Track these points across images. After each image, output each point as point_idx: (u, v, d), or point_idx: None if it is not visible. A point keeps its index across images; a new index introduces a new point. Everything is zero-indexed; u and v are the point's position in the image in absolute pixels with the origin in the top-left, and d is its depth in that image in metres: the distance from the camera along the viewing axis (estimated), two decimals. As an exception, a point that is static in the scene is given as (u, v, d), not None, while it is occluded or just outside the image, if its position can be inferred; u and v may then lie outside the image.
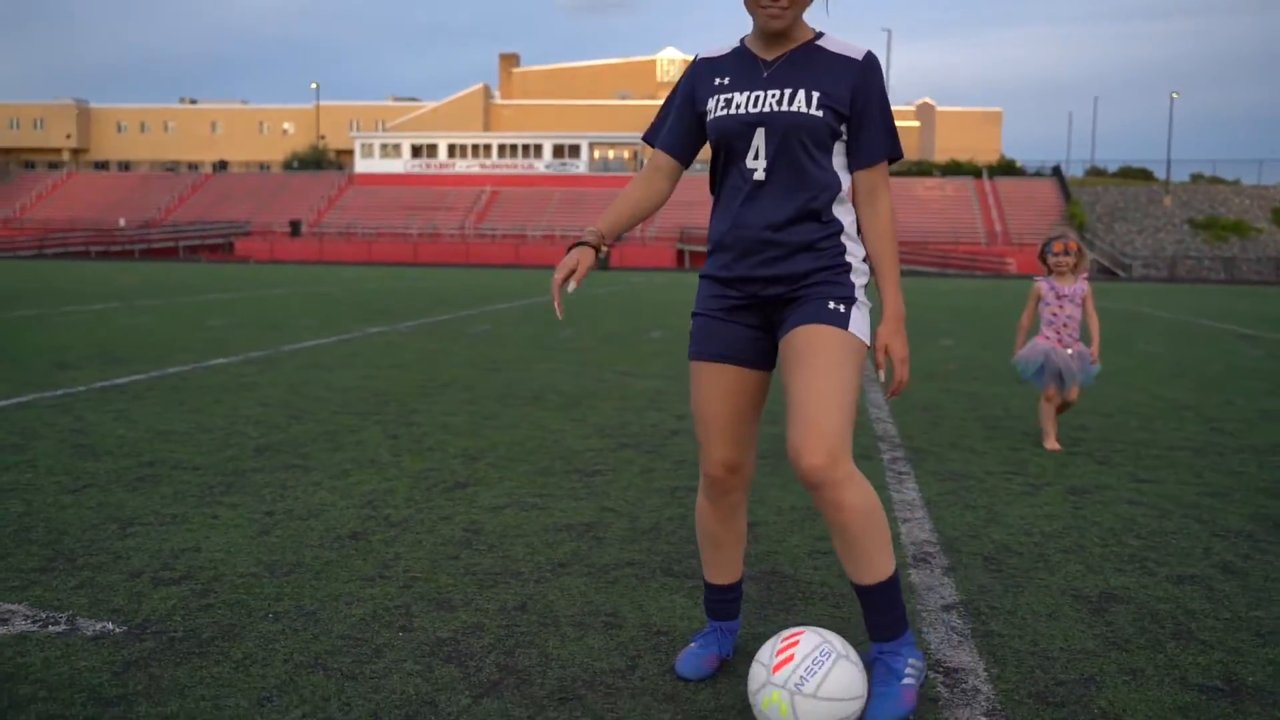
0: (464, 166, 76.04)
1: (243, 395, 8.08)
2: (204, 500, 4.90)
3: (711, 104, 2.83)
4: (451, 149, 76.97)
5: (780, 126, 2.74)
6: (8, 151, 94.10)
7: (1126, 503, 5.20)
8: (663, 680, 3.02)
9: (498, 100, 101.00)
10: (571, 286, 2.76)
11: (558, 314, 2.76)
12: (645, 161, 2.99)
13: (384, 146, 77.64)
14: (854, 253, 2.85)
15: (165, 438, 6.36)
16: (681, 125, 2.94)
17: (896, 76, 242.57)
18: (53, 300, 19.92)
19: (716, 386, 2.91)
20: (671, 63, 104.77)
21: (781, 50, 2.81)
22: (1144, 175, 75.89)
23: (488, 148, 76.72)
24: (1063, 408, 6.77)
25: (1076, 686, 3.02)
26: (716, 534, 3.07)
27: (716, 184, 2.93)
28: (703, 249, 60.36)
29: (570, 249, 2.84)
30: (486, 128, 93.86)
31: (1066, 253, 6.66)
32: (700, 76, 2.90)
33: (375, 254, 63.40)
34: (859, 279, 2.84)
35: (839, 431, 2.67)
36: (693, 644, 3.06)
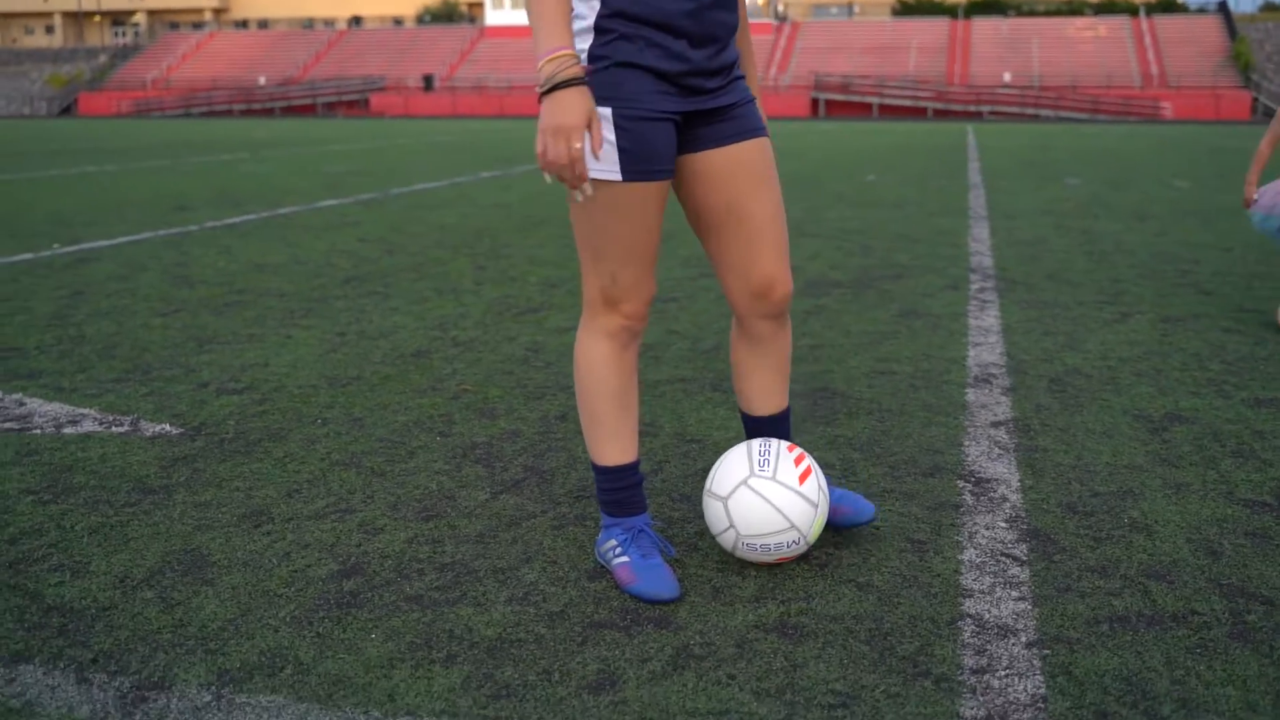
0: (595, 16, 74.59)
1: (344, 232, 8.24)
2: (283, 323, 5.05)
3: None
4: (582, -2, 75.62)
5: None
6: (153, 13, 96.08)
7: (1221, 330, 4.98)
8: (683, 481, 3.03)
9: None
10: (579, 153, 2.06)
11: (584, 193, 2.12)
12: None
13: (515, -4, 76.81)
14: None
15: (260, 269, 6.55)
16: None
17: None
18: (185, 152, 20.51)
19: (656, 212, 2.30)
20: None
21: None
22: (1320, 10, 70.72)
23: (619, -4, 74.99)
24: None
25: (1111, 499, 2.93)
26: (625, 389, 2.42)
27: None
28: (839, 97, 59.08)
29: (553, 92, 2.02)
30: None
31: None
32: None
33: (507, 107, 63.43)
34: None
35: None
36: (629, 557, 2.38)
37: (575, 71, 2.03)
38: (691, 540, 2.64)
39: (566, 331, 4.87)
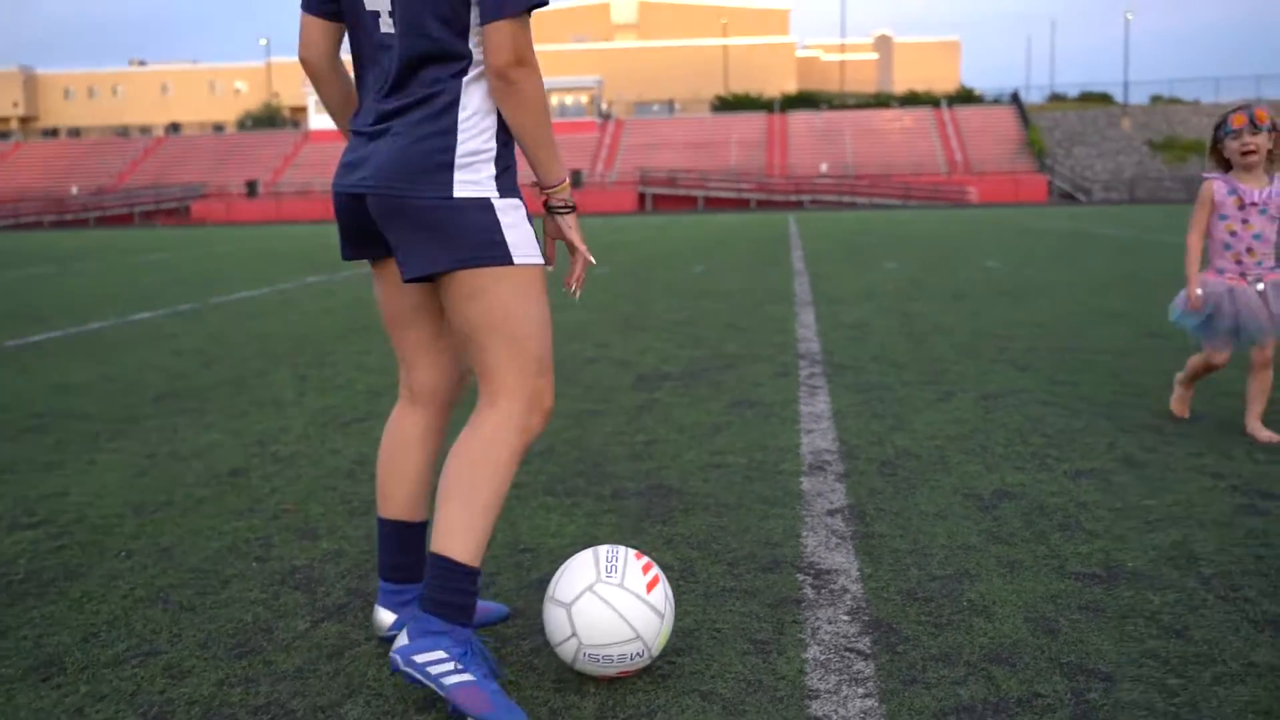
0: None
1: (157, 346, 7.88)
2: (87, 447, 4.73)
3: None
4: (406, 101, 75.85)
5: None
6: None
7: (1039, 404, 5.11)
8: (517, 595, 2.90)
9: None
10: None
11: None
12: (525, 44, 2.21)
13: (337, 101, 76.39)
14: None
15: (63, 390, 6.17)
16: None
17: (853, 10, 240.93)
18: (-9, 268, 19.54)
19: None
20: (626, 4, 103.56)
21: None
22: (1103, 99, 75.75)
23: (443, 98, 75.48)
24: (1258, 373, 4.47)
25: (949, 581, 2.92)
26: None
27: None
28: (665, 191, 60.33)
29: (574, 209, 2.41)
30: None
31: (1255, 129, 4.31)
32: None
33: (332, 211, 62.66)
34: None
35: None
36: (473, 676, 2.19)
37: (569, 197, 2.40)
38: (526, 659, 2.51)
39: (393, 440, 4.70)
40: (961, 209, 47.90)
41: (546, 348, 2.35)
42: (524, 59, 2.18)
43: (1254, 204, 4.38)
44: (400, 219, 2.25)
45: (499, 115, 2.28)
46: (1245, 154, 4.34)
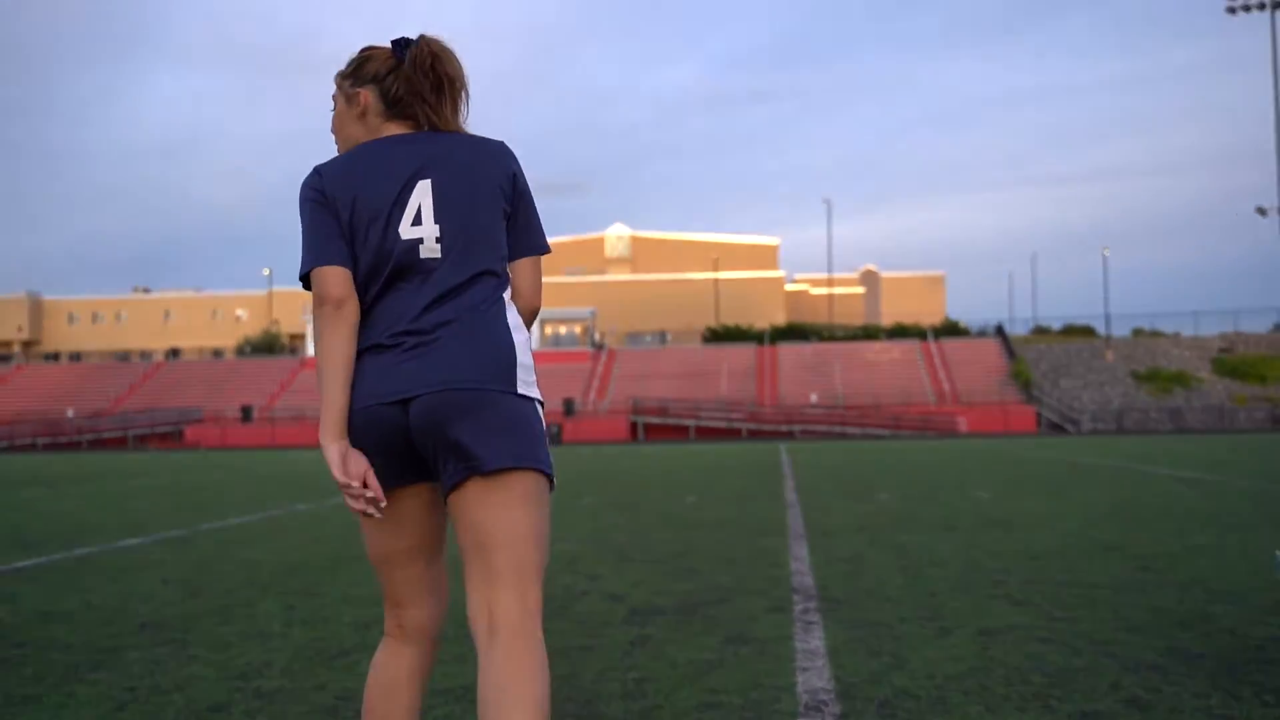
0: (416, 346, 76.12)
1: (144, 573, 7.78)
2: (65, 679, 4.61)
3: None
4: (403, 329, 77.31)
5: None
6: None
7: (1038, 641, 5.03)
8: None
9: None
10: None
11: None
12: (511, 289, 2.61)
13: (336, 329, 77.83)
14: None
15: (46, 618, 6.06)
16: None
17: (840, 245, 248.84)
18: (-19, 491, 19.43)
19: None
20: (620, 238, 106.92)
21: None
22: (1086, 332, 77.44)
23: (440, 327, 76.99)
24: None
25: (954, 832, 2.81)
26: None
27: None
28: (657, 420, 60.75)
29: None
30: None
31: None
32: None
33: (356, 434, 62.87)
34: None
35: None
36: None
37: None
38: None
39: (380, 675, 4.58)
40: (951, 439, 48.20)
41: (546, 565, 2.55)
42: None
43: None
44: (475, 414, 2.36)
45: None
46: None
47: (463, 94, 2.59)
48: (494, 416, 2.37)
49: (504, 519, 2.39)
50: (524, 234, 2.56)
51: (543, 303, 2.67)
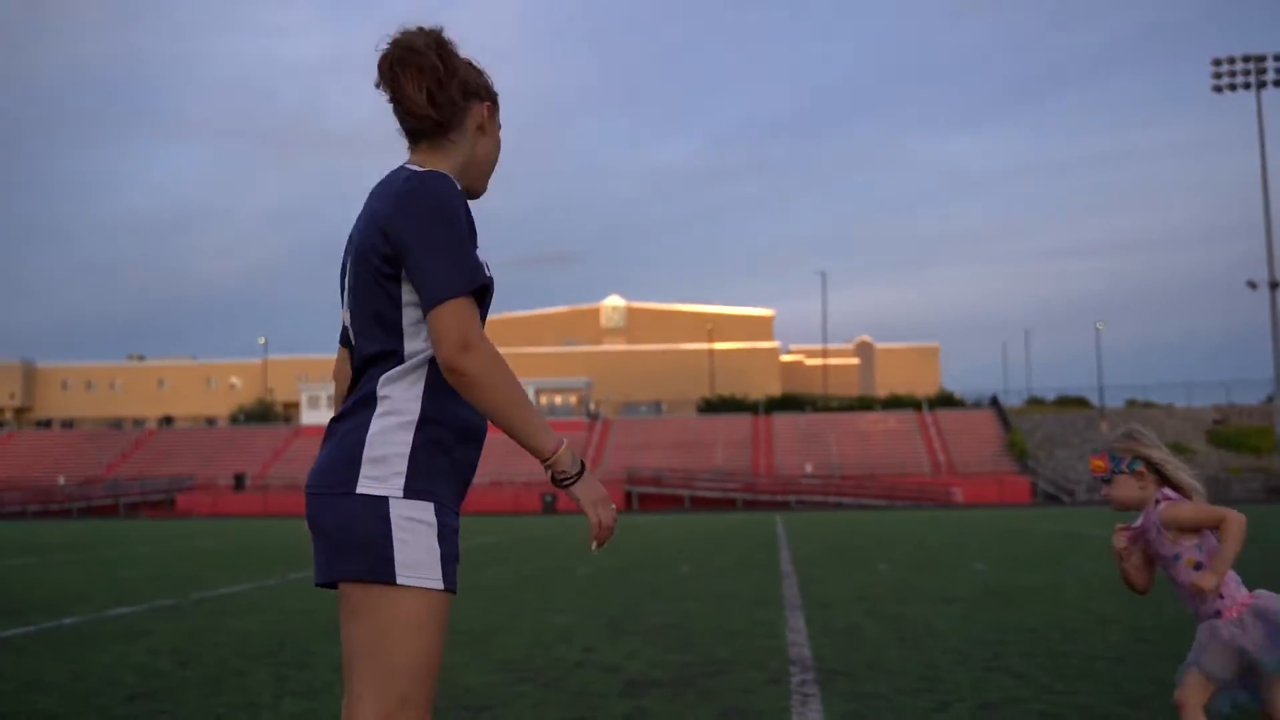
0: (411, 414, 76.17)
1: (134, 643, 7.68)
2: (52, 751, 4.54)
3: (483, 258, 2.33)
4: (398, 398, 77.38)
5: None
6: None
7: (1038, 715, 4.97)
8: None
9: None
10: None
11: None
12: (470, 325, 2.17)
13: (330, 397, 77.90)
14: None
15: (33, 689, 5.98)
16: None
17: (835, 316, 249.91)
18: (-30, 559, 19.24)
19: None
20: (615, 309, 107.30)
21: None
22: (1080, 403, 77.49)
23: (434, 395, 77.09)
24: None
25: None
26: None
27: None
28: (652, 490, 60.50)
29: (584, 472, 2.22)
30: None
31: (1104, 482, 3.88)
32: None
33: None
34: None
35: None
36: None
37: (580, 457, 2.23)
38: None
39: (372, 747, 4.52)
40: (947, 509, 48.03)
41: (418, 687, 2.14)
42: (469, 343, 2.11)
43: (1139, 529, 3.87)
44: (315, 521, 2.22)
45: (434, 407, 2.22)
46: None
47: (416, 88, 2.28)
48: (328, 522, 2.18)
49: (347, 633, 2.19)
50: (419, 288, 2.17)
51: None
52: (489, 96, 2.39)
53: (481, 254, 2.29)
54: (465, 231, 2.21)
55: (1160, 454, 3.53)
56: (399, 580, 2.12)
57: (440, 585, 2.16)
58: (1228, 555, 3.38)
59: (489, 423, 2.28)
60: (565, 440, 2.19)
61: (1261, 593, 3.54)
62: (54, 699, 5.68)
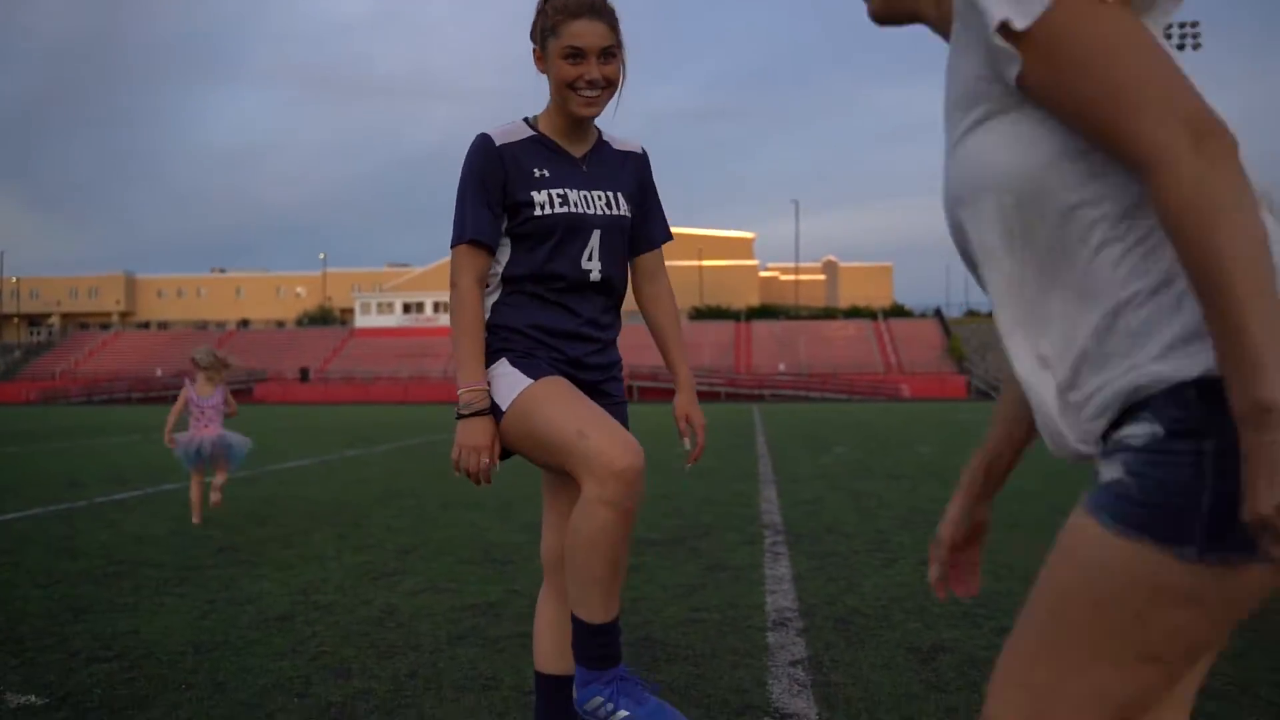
0: (447, 320, 76.05)
1: (221, 506, 7.78)
2: (158, 591, 4.63)
3: (539, 197, 2.30)
4: (437, 305, 77.19)
5: (612, 230, 2.37)
6: (68, 316, 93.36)
7: (967, 571, 5.05)
8: (523, 732, 2.80)
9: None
10: (493, 467, 2.23)
11: (484, 483, 2.24)
12: (457, 269, 2.30)
13: (380, 305, 77.78)
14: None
15: (141, 541, 6.07)
16: (494, 214, 2.31)
17: (805, 238, 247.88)
18: (84, 434, 19.41)
19: (574, 390, 2.28)
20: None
21: (585, 145, 2.41)
22: (1010, 315, 77.15)
23: (468, 304, 77.03)
24: None
25: (896, 725, 2.83)
26: (623, 552, 2.19)
27: (523, 276, 2.34)
28: (650, 384, 60.76)
29: (469, 418, 2.21)
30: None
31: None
32: (508, 162, 2.31)
33: (372, 395, 62.89)
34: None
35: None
36: (627, 711, 2.15)
37: (484, 405, 2.21)
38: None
39: (418, 594, 4.61)
40: (897, 403, 48.25)
41: (572, 422, 2.14)
42: (452, 283, 2.30)
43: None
44: None
45: (505, 311, 2.33)
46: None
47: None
48: None
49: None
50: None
51: (453, 288, 2.41)
52: (537, 40, 2.34)
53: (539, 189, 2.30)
54: (468, 188, 2.30)
55: None
56: (504, 409, 2.23)
57: (522, 384, 2.24)
58: None
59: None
60: (480, 386, 2.24)
61: None
62: (158, 550, 5.78)
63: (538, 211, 2.30)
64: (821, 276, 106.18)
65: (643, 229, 2.52)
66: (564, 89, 2.29)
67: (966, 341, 67.32)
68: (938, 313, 75.00)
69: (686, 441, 2.52)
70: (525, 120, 2.40)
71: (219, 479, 7.00)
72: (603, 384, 2.43)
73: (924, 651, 3.57)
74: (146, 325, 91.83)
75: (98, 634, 3.85)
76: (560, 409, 2.18)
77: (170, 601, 4.42)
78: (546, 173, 2.33)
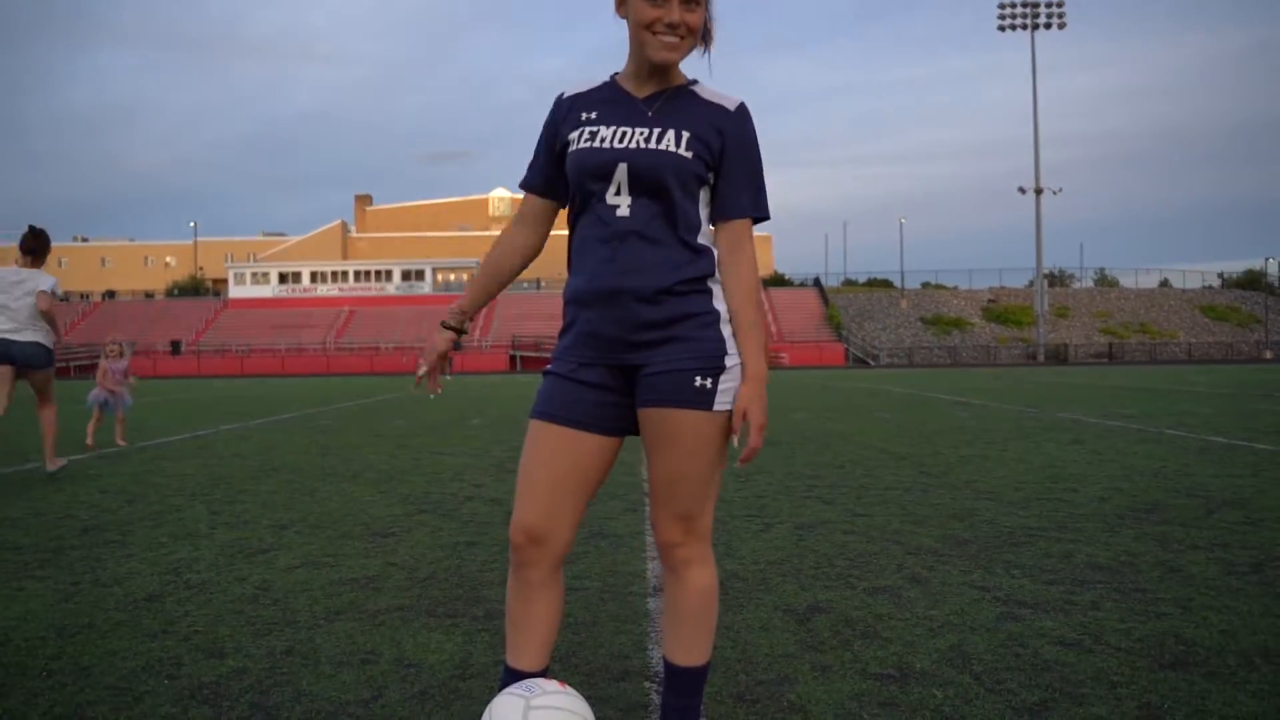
0: (324, 290, 74.29)
1: (85, 485, 7.45)
2: (15, 574, 4.41)
3: (574, 135, 2.23)
4: (314, 276, 75.17)
5: (653, 165, 2.16)
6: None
7: (842, 533, 5.20)
8: (401, 706, 2.78)
9: (354, 234, 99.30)
10: (422, 371, 2.37)
11: (433, 392, 2.39)
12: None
13: (254, 275, 75.29)
14: (720, 297, 2.24)
15: (0, 524, 5.77)
16: (545, 161, 2.32)
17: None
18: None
19: (543, 446, 2.26)
20: (501, 200, 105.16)
21: (657, 89, 2.25)
22: (886, 284, 79.51)
23: (345, 274, 75.21)
24: None
25: (772, 685, 2.91)
26: (513, 611, 2.29)
27: (573, 230, 2.32)
28: (532, 354, 60.44)
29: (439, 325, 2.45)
30: (344, 257, 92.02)
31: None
32: (564, 110, 2.29)
33: (248, 367, 60.98)
34: (728, 330, 2.22)
35: (695, 513, 2.26)
36: None
37: (453, 322, 2.42)
38: (411, 762, 2.38)
39: (295, 569, 4.50)
40: (777, 370, 49.15)
41: (519, 480, 2.35)
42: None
43: None
44: None
45: (571, 266, 2.35)
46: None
47: None
48: None
49: None
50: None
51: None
52: None
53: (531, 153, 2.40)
54: (540, 140, 2.36)
55: None
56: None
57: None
58: None
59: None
60: (458, 307, 2.46)
61: None
62: (16, 532, 5.50)
63: (570, 148, 2.25)
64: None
65: (722, 194, 2.25)
66: (641, 31, 2.17)
67: (844, 310, 68.99)
68: (816, 282, 76.58)
69: (735, 440, 2.23)
70: (614, 75, 2.33)
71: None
72: (661, 347, 2.20)
73: (800, 613, 3.67)
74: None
75: (-51, 622, 3.65)
76: (523, 459, 2.33)
77: (30, 585, 4.21)
78: (594, 114, 2.25)
